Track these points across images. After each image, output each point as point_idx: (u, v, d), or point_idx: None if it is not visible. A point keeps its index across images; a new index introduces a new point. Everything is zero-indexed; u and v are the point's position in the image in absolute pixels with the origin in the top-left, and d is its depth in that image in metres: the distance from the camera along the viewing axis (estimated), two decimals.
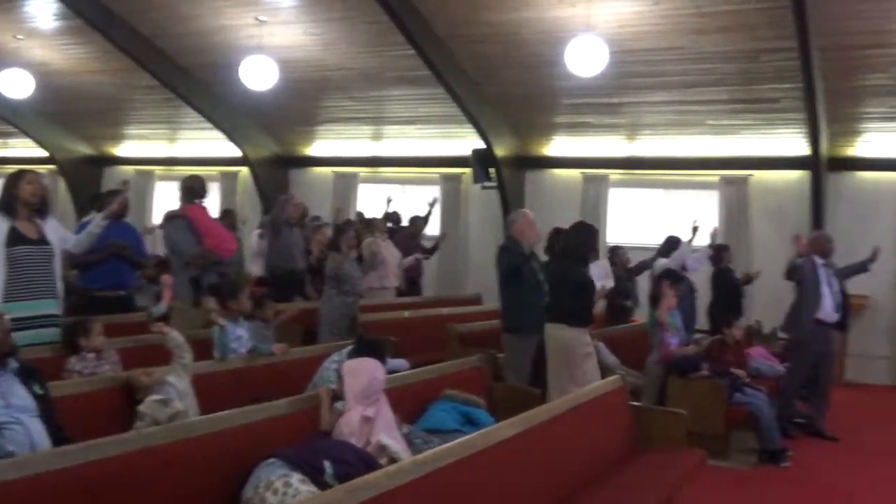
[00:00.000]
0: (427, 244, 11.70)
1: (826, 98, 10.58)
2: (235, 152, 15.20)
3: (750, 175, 12.12)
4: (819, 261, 8.16)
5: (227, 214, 10.62)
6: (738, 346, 8.04)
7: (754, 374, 8.26)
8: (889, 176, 11.51)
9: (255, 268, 10.51)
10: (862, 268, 8.92)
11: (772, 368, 8.53)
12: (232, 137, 14.94)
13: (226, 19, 11.91)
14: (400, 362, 6.66)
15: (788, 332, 8.42)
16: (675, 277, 8.03)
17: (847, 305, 8.39)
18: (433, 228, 12.99)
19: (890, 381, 11.34)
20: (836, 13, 9.25)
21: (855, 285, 10.59)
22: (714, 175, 12.34)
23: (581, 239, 6.84)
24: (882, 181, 11.57)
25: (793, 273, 8.20)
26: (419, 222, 11.70)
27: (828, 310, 8.03)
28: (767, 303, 10.55)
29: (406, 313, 9.24)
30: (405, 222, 11.97)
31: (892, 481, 6.74)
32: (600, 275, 7.36)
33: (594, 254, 7.33)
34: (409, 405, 5.14)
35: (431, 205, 11.93)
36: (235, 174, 15.91)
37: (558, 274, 6.82)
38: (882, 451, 7.75)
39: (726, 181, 12.28)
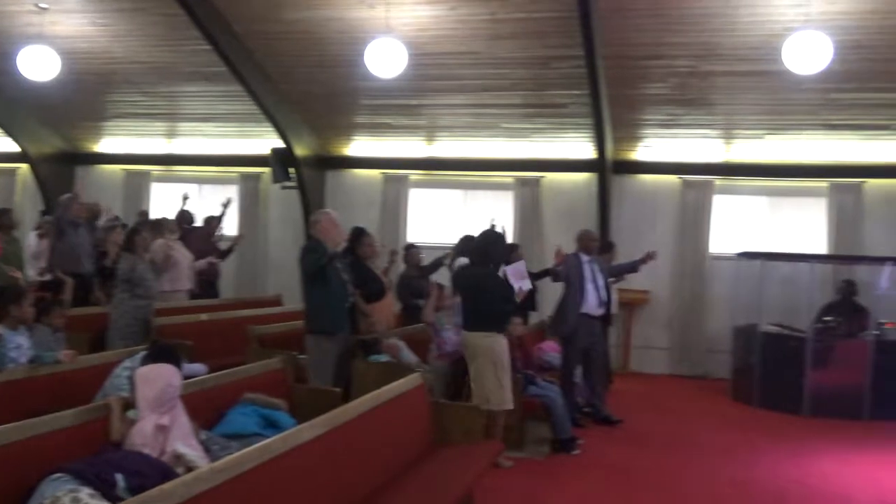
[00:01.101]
0: (224, 245, 11.39)
1: (611, 105, 11.22)
2: (13, 148, 14.20)
3: (542, 176, 12.67)
4: (584, 258, 8.66)
5: (4, 214, 9.92)
6: (520, 342, 8.05)
7: (547, 366, 8.63)
8: (668, 178, 12.39)
9: (31, 270, 9.86)
10: (632, 268, 9.53)
11: (556, 359, 8.88)
12: (9, 132, 13.94)
13: (3, 5, 11.09)
14: (197, 367, 6.44)
15: (553, 330, 8.85)
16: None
17: (609, 300, 8.95)
18: (231, 229, 12.69)
19: (668, 371, 12.19)
20: (619, 25, 9.83)
21: (637, 281, 11.37)
22: (509, 176, 12.80)
23: (489, 246, 7.06)
24: (661, 183, 12.43)
25: (557, 277, 8.70)
26: (214, 223, 11.35)
27: (592, 304, 8.53)
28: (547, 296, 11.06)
29: (203, 316, 8.96)
30: (199, 222, 11.57)
31: (669, 463, 7.23)
32: (517, 277, 7.47)
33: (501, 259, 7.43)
34: (207, 411, 4.99)
35: (225, 206, 11.59)
36: (13, 171, 14.86)
37: (473, 282, 6.93)
38: (661, 435, 8.32)
39: (520, 182, 12.76)
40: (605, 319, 8.88)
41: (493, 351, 6.76)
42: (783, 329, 10.28)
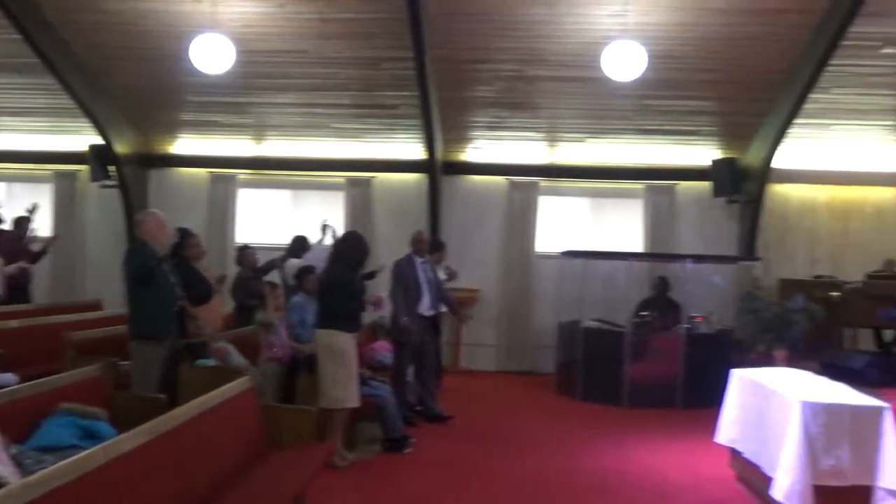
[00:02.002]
0: (36, 247, 10.70)
1: (440, 106, 11.39)
2: None
3: (373, 177, 12.69)
4: (418, 259, 8.81)
5: None
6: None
7: (379, 366, 8.66)
8: (495, 180, 12.69)
9: None
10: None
11: (389, 358, 8.94)
12: None
13: None
14: (7, 377, 6.06)
15: (392, 333, 8.91)
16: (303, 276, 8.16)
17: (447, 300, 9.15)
18: (46, 229, 11.98)
19: (497, 367, 12.49)
20: (448, 28, 9.99)
21: (467, 280, 11.55)
22: (340, 177, 12.74)
23: (351, 247, 7.18)
24: (489, 184, 12.72)
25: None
26: (24, 224, 10.61)
27: (425, 304, 8.71)
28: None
29: (14, 322, 8.42)
30: (7, 224, 10.79)
31: (498, 456, 7.41)
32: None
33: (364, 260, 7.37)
34: (19, 423, 4.68)
35: (31, 212, 10.71)
36: None
37: (330, 280, 7.02)
38: (490, 430, 8.51)
39: (351, 182, 12.73)
40: (437, 319, 9.02)
41: (334, 349, 6.81)
42: (603, 324, 10.75)
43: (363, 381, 7.61)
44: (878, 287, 10.55)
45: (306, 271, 8.11)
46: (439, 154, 12.20)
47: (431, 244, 9.65)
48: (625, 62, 9.15)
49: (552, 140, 12.44)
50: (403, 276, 8.70)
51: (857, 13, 9.03)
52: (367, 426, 7.74)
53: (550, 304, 12.10)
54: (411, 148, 12.39)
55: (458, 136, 12.32)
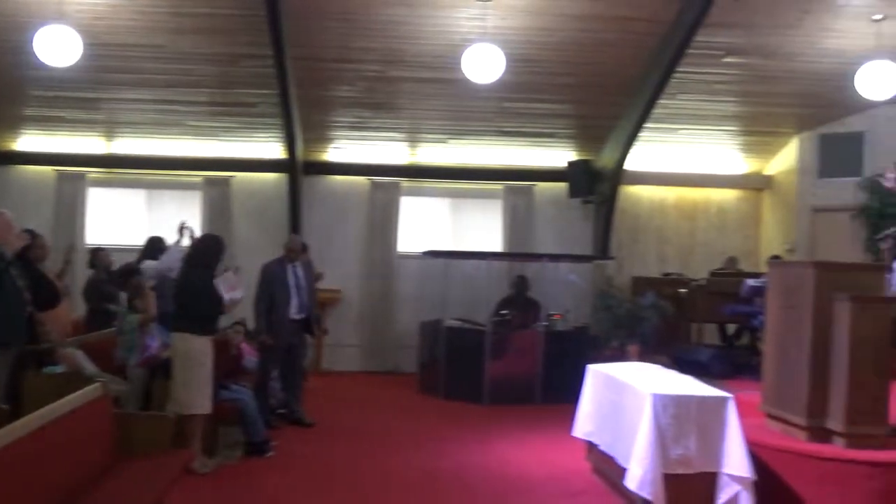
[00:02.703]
0: None
1: (301, 106, 11.25)
2: None
3: (232, 177, 12.42)
4: (289, 263, 8.74)
5: None
6: (226, 346, 7.98)
7: (244, 371, 8.47)
8: (357, 180, 12.66)
9: None
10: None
11: (254, 363, 8.79)
12: None
13: None
14: None
15: (260, 333, 8.77)
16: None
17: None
18: None
19: (360, 367, 12.46)
20: (309, 26, 9.88)
21: (328, 280, 11.46)
22: (197, 176, 12.41)
23: (206, 248, 7.00)
24: (351, 184, 12.68)
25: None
26: None
27: (294, 307, 8.65)
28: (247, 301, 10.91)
29: None
30: None
31: (362, 456, 7.39)
32: (227, 288, 7.08)
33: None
34: None
35: None
36: None
37: (185, 283, 6.83)
38: (354, 430, 8.49)
39: (209, 182, 12.42)
40: (306, 323, 8.92)
41: (188, 353, 6.64)
42: (464, 323, 10.89)
43: (223, 386, 7.45)
44: (721, 284, 11.12)
45: (129, 273, 7.96)
46: (300, 154, 12.06)
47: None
48: (484, 65, 9.31)
49: (413, 141, 12.51)
50: (271, 280, 8.61)
51: (701, 24, 9.49)
52: (229, 430, 7.57)
53: (412, 303, 12.18)
54: (271, 147, 12.20)
55: (319, 135, 12.22)
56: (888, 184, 6.52)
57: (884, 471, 5.37)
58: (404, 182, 12.74)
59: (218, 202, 12.43)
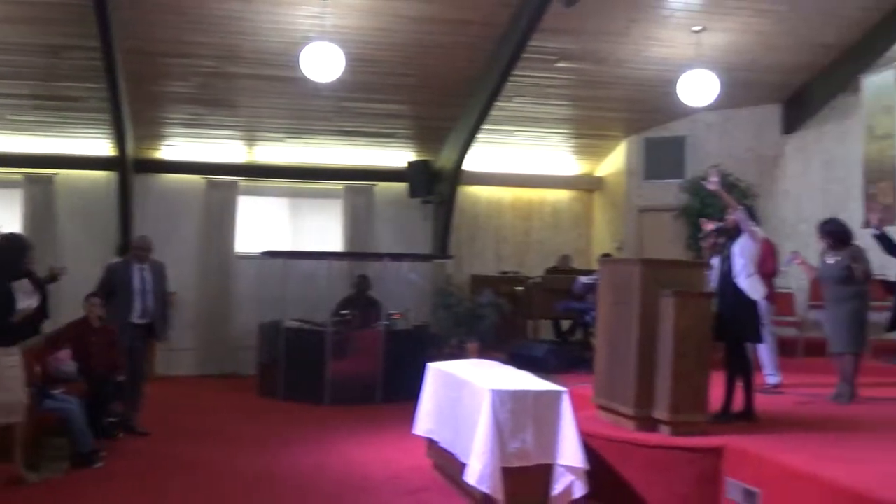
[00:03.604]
0: None
1: (131, 101, 10.80)
2: None
3: (56, 174, 11.80)
4: (136, 265, 8.41)
5: None
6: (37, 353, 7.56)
7: (62, 377, 8.04)
8: (192, 178, 12.30)
9: None
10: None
11: (73, 367, 8.35)
12: None
13: None
14: None
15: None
16: None
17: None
18: None
19: (196, 371, 12.10)
20: (139, 19, 9.51)
21: None
22: (17, 173, 11.71)
23: (8, 252, 6.72)
24: (186, 183, 12.30)
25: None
26: None
27: (137, 312, 8.35)
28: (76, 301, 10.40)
29: None
30: None
31: (199, 462, 7.18)
32: (23, 294, 6.59)
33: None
34: None
35: None
36: None
37: None
38: (190, 435, 8.23)
39: (30, 179, 11.76)
40: (150, 328, 8.58)
41: None
42: (304, 324, 10.78)
43: (47, 394, 7.07)
44: (555, 281, 11.48)
45: None
46: (130, 151, 11.58)
47: (122, 246, 9.17)
48: (323, 63, 9.25)
49: (251, 139, 12.27)
50: (111, 282, 8.28)
51: (535, 28, 9.77)
52: (55, 441, 7.18)
53: (251, 305, 11.94)
54: (99, 144, 11.66)
55: (151, 132, 11.78)
56: (711, 186, 6.91)
57: (704, 456, 5.70)
58: (242, 181, 12.48)
59: (41, 201, 11.76)
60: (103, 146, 11.66)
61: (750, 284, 6.70)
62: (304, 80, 9.62)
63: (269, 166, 12.48)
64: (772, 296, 8.69)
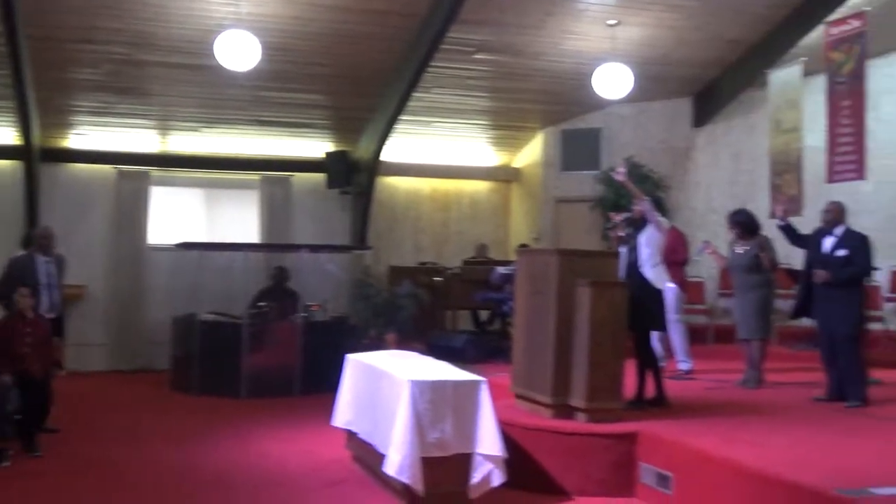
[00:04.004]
0: None
1: (37, 88, 10.43)
2: None
3: None
4: (41, 258, 8.16)
5: None
6: None
7: None
8: (103, 168, 11.98)
9: None
10: None
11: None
12: None
13: None
14: None
15: None
16: None
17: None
18: None
19: (108, 367, 11.80)
20: (47, 4, 9.20)
21: (72, 275, 10.75)
22: None
23: None
24: (96, 173, 11.97)
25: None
26: None
27: (44, 306, 8.12)
28: None
29: None
30: None
31: (112, 459, 7.01)
32: None
33: None
34: None
35: None
36: None
37: None
38: (103, 432, 8.03)
39: None
40: (57, 322, 8.33)
41: None
42: (220, 316, 10.61)
43: None
44: (473, 272, 11.57)
45: None
46: (36, 140, 11.20)
47: (26, 239, 8.88)
48: (239, 52, 9.11)
49: (164, 129, 12.01)
50: (13, 275, 8.02)
51: (453, 20, 9.79)
52: None
53: (164, 298, 11.69)
54: (3, 132, 11.24)
55: (59, 120, 11.41)
56: (619, 177, 7.05)
57: (619, 442, 5.84)
58: (154, 171, 12.20)
59: None
60: (7, 135, 11.25)
61: (655, 274, 6.86)
62: (219, 68, 9.45)
63: (183, 156, 12.23)
64: (684, 284, 8.93)
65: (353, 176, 12.60)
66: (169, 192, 12.49)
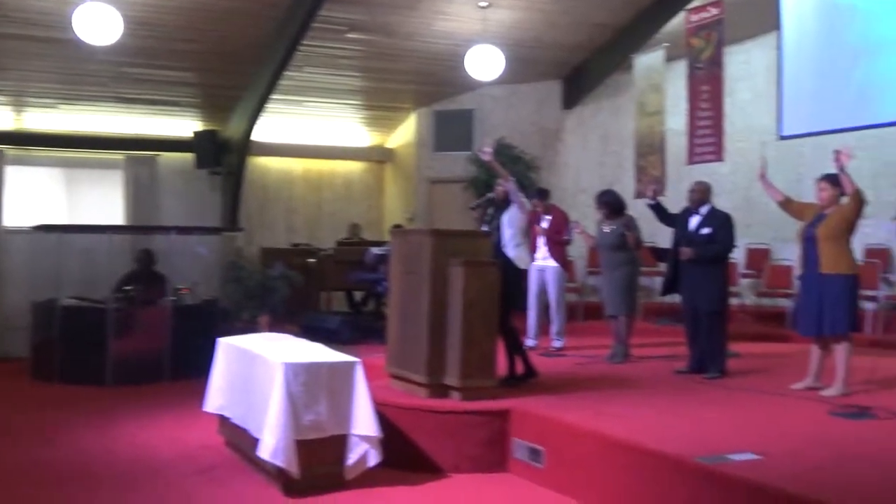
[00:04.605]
0: None
1: None
2: None
3: None
4: None
5: None
6: None
7: None
8: None
9: None
10: None
11: None
12: None
13: None
14: None
15: None
16: None
17: None
18: None
19: None
20: None
21: None
22: None
23: None
24: None
25: None
26: None
27: None
28: None
29: None
30: None
31: None
32: None
33: None
34: None
35: None
36: None
37: None
38: None
39: None
40: None
41: None
42: (83, 301, 10.20)
43: None
44: (347, 253, 11.52)
45: None
46: None
47: None
48: (98, 25, 8.74)
49: (18, 105, 11.42)
50: None
51: None
52: None
53: (22, 282, 11.18)
54: None
55: None
56: (485, 157, 7.14)
57: (492, 419, 5.94)
58: (9, 150, 11.60)
59: None
60: None
61: (518, 254, 6.99)
62: (78, 42, 9.05)
63: (40, 134, 11.66)
64: (565, 263, 9.15)
65: (222, 156, 12.32)
66: (25, 172, 11.89)
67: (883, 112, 8.71)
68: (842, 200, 6.35)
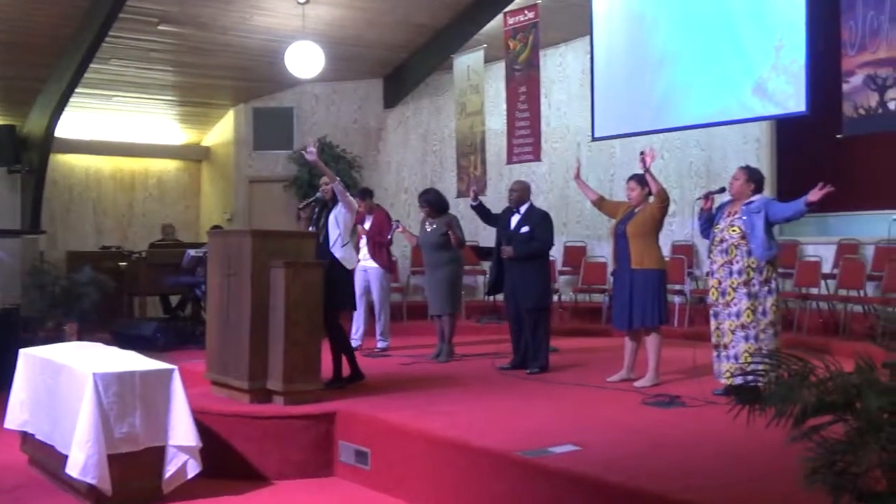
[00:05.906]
0: None
1: None
2: None
3: None
4: None
5: None
6: None
7: None
8: None
9: None
10: None
11: None
12: None
13: None
14: None
15: None
16: None
17: None
18: None
19: None
20: None
21: None
22: None
23: None
24: None
25: None
26: None
27: None
28: None
29: None
30: None
31: None
32: None
33: None
34: None
35: None
36: None
37: None
38: None
39: None
40: None
41: None
42: None
43: None
44: (162, 255, 11.05)
45: None
46: None
47: None
48: None
49: None
50: None
51: None
52: None
53: None
54: None
55: None
56: (310, 157, 7.02)
57: (317, 422, 5.83)
58: None
59: None
60: None
61: (345, 254, 6.92)
62: None
63: None
64: (389, 264, 9.13)
65: (22, 153, 11.53)
66: None
67: (684, 116, 9.21)
68: (650, 199, 6.66)
